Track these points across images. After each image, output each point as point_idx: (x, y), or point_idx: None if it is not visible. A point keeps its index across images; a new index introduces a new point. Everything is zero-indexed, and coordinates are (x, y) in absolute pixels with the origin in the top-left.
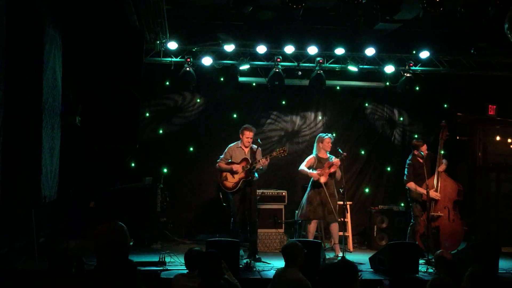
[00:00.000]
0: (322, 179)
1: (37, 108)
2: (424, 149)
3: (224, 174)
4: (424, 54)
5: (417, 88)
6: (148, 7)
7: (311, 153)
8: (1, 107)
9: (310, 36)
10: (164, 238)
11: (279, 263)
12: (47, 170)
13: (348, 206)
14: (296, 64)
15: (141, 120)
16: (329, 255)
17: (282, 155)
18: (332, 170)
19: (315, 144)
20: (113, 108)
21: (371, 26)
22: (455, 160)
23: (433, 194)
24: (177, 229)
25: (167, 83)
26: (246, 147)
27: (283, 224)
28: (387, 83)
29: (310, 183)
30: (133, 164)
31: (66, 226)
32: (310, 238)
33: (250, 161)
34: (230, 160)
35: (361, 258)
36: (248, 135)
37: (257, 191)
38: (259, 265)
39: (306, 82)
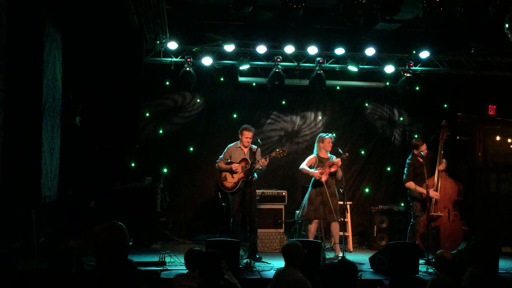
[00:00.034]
0: (323, 178)
1: (37, 108)
2: (423, 149)
3: (224, 174)
4: (424, 54)
5: (417, 88)
6: (148, 7)
7: (311, 153)
8: (1, 107)
9: (310, 36)
10: (164, 238)
11: (279, 263)
12: (47, 170)
13: (348, 206)
14: (296, 64)
15: (141, 120)
16: (329, 255)
17: (281, 155)
18: (332, 169)
19: (315, 144)
20: (113, 108)
21: (371, 26)
22: (455, 160)
23: (432, 193)
24: (177, 229)
25: (167, 83)
26: (245, 147)
27: (283, 224)
28: (387, 83)
29: (311, 183)
30: (133, 164)
31: (66, 226)
32: (311, 238)
33: (249, 161)
34: (229, 161)
35: (361, 258)
36: (247, 135)
37: (257, 191)
38: (259, 265)
39: (306, 82)
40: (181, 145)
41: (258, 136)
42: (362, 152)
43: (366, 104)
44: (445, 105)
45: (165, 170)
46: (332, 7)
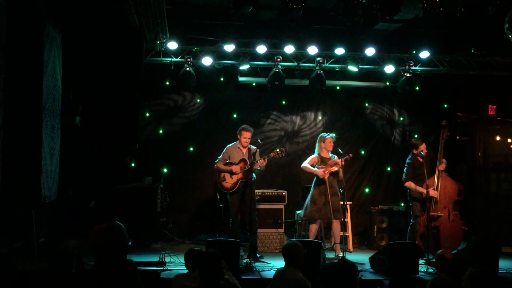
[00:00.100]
0: (326, 176)
1: (37, 108)
2: (423, 148)
3: (222, 174)
4: (424, 54)
5: (417, 88)
6: (148, 7)
7: (311, 153)
8: (1, 107)
9: (310, 36)
10: (164, 238)
11: (279, 263)
12: (47, 170)
13: (348, 206)
14: (296, 64)
15: (141, 120)
16: (329, 255)
17: (280, 156)
18: (334, 169)
19: (317, 144)
20: (113, 108)
21: (371, 26)
22: (455, 160)
23: (432, 192)
24: (177, 229)
25: (167, 83)
26: (244, 147)
27: (283, 224)
28: (387, 83)
29: (313, 183)
30: (133, 164)
31: (66, 226)
32: (312, 238)
33: (248, 161)
34: (228, 161)
35: (361, 258)
36: (246, 136)
37: (257, 191)
38: (259, 265)
39: (306, 82)
40: (181, 145)
41: (258, 136)
42: (362, 152)
43: (366, 104)
44: (445, 105)
45: (165, 170)
46: (332, 7)
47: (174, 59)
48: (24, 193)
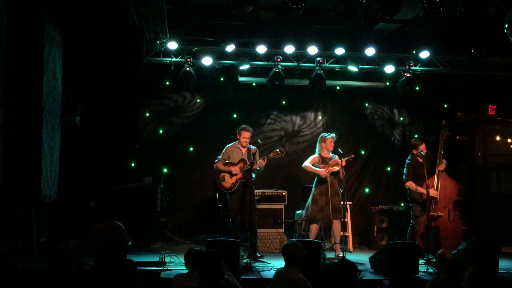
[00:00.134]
0: (327, 175)
1: (37, 108)
2: (423, 148)
3: (222, 174)
4: (424, 54)
5: (417, 88)
6: (148, 7)
7: (311, 153)
8: (1, 107)
9: (310, 36)
10: (164, 238)
11: (279, 263)
12: (47, 170)
13: (348, 206)
14: (296, 64)
15: (141, 120)
16: (329, 255)
17: (280, 156)
18: (335, 168)
19: (317, 144)
20: (113, 108)
21: (371, 26)
22: (455, 160)
23: (432, 192)
24: (177, 229)
25: (167, 83)
26: (243, 147)
27: (283, 224)
28: (387, 83)
29: (314, 183)
30: (133, 164)
31: (66, 226)
32: (312, 238)
33: (247, 161)
34: (227, 161)
35: (361, 258)
36: (245, 136)
37: (257, 191)
38: (259, 265)
39: (306, 82)
40: (181, 145)
41: (258, 136)
42: (362, 152)
43: (366, 104)
44: (445, 105)
45: (165, 170)
46: (332, 7)
47: (174, 59)
48: (24, 193)
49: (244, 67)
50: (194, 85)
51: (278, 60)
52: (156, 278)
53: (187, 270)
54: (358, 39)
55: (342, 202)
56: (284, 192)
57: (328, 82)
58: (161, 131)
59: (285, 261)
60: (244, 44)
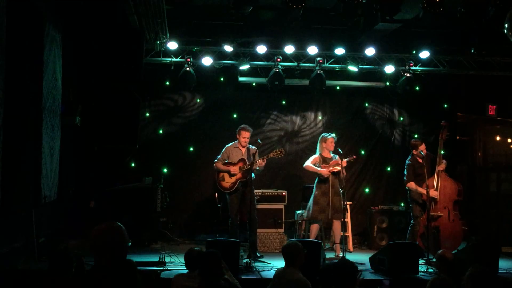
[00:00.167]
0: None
1: (37, 108)
2: (423, 149)
3: (221, 174)
4: (424, 54)
5: (417, 88)
6: (148, 7)
7: (311, 153)
8: (1, 107)
9: (310, 36)
10: (164, 238)
11: (279, 263)
12: (47, 170)
13: (348, 206)
14: (296, 64)
15: (141, 120)
16: (329, 255)
17: (279, 156)
18: (337, 168)
19: (318, 144)
20: (113, 108)
21: (371, 26)
22: (455, 160)
23: (432, 193)
24: (177, 229)
25: (167, 83)
26: (243, 147)
27: (283, 224)
28: (387, 83)
29: (315, 183)
30: (133, 164)
31: (66, 226)
32: (312, 238)
33: (247, 161)
34: (227, 161)
35: (361, 258)
36: (245, 135)
37: (257, 191)
38: (259, 265)
39: (306, 82)
40: (181, 145)
41: (258, 136)
42: (362, 152)
43: (366, 104)
44: (445, 105)
45: (165, 170)
46: (332, 7)
47: (174, 59)
48: (24, 193)
49: (244, 67)
50: (194, 85)
51: (278, 60)
52: (156, 278)
53: (187, 270)
54: (358, 39)
55: (342, 202)
56: (284, 192)
57: (328, 82)
58: (161, 131)
59: (285, 261)
60: (244, 44)
